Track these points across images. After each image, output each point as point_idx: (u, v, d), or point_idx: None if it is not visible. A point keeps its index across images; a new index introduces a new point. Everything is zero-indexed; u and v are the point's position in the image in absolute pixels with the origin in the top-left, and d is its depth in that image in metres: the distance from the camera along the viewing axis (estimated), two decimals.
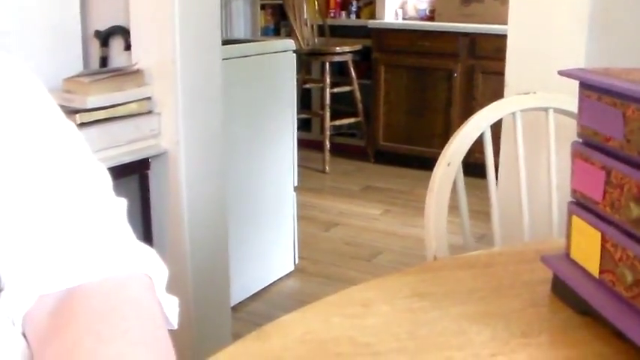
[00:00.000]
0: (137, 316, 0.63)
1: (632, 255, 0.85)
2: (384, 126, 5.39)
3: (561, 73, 0.94)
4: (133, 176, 2.31)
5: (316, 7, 5.61)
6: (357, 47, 5.37)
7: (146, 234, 2.34)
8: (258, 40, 3.84)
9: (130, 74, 2.25)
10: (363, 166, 5.47)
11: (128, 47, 2.37)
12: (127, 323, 0.62)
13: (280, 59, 3.20)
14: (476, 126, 1.43)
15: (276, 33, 6.23)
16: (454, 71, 5.01)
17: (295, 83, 3.34)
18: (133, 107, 2.23)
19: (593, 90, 0.91)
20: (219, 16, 2.40)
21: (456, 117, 4.85)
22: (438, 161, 1.35)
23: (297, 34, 5.33)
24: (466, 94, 4.96)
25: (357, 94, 5.40)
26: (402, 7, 5.67)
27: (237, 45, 3.03)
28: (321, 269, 3.56)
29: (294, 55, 3.28)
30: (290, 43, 3.28)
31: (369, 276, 1.04)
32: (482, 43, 4.84)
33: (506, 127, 1.82)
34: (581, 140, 0.96)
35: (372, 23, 5.44)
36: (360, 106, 5.43)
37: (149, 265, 0.69)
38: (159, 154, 2.31)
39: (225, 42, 2.71)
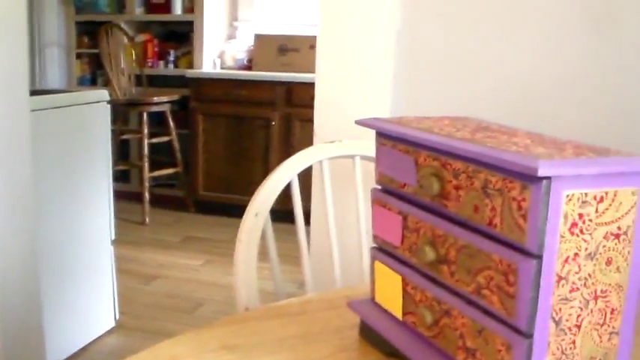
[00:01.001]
0: None
1: (430, 296, 0.88)
2: (204, 175, 5.37)
3: (358, 122, 0.97)
4: None
5: (133, 57, 5.54)
6: (175, 97, 5.35)
7: None
8: (70, 91, 3.73)
9: None
10: (184, 216, 5.42)
11: None
12: None
13: (94, 110, 3.13)
14: (283, 176, 1.45)
15: (93, 82, 6.10)
16: (272, 119, 5.08)
17: (110, 134, 3.26)
18: None
19: (388, 138, 0.94)
20: (27, 65, 2.32)
21: (274, 164, 4.87)
22: (245, 212, 1.35)
23: (114, 84, 5.25)
24: (284, 141, 5.04)
25: (176, 144, 5.36)
26: (220, 56, 5.70)
27: (47, 96, 2.93)
28: (143, 324, 3.47)
29: (109, 105, 3.21)
30: (104, 94, 3.20)
31: (191, 329, 1.02)
32: (299, 92, 4.94)
33: (316, 174, 1.85)
34: (379, 187, 0.99)
35: (189, 73, 5.43)
36: (179, 156, 5.39)
37: None
38: None
39: (36, 92, 2.61)
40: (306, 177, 1.62)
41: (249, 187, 5.16)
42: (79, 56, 6.06)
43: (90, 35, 5.91)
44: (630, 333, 0.79)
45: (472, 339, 0.81)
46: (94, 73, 6.12)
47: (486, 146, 0.77)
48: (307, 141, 1.92)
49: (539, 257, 0.72)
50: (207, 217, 5.33)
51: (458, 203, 0.82)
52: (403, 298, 0.93)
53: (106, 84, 5.47)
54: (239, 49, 5.69)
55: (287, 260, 1.49)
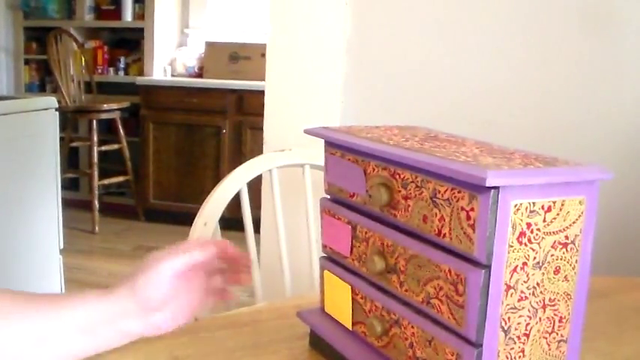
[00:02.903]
0: None
1: (380, 306, 0.88)
2: (154, 184, 5.32)
3: (307, 131, 0.97)
4: None
5: (83, 63, 5.48)
6: (125, 104, 5.29)
7: None
8: (18, 97, 3.68)
9: None
10: (134, 225, 5.36)
11: None
12: None
13: (42, 117, 3.08)
14: (232, 185, 1.45)
15: (42, 89, 6.01)
16: (222, 127, 5.06)
17: (58, 142, 3.22)
18: None
19: (337, 148, 0.94)
20: None
21: (225, 172, 4.82)
22: (194, 221, 1.34)
23: (63, 91, 5.18)
24: (235, 149, 5.02)
25: (126, 152, 5.31)
26: (171, 64, 5.66)
27: None
28: None
29: (57, 112, 3.17)
30: (53, 101, 3.16)
31: (141, 339, 1.00)
32: (250, 100, 4.93)
33: (265, 183, 1.85)
34: (328, 196, 0.99)
35: (140, 80, 5.39)
36: (129, 164, 5.33)
37: None
38: None
39: None
40: (257, 184, 1.61)
41: (200, 196, 5.08)
42: (27, 62, 5.97)
43: (38, 41, 5.83)
44: (578, 341, 0.81)
45: (422, 349, 0.81)
46: (43, 80, 6.04)
47: (435, 156, 0.77)
48: (258, 149, 1.91)
49: (488, 267, 0.72)
50: (158, 225, 5.28)
51: (407, 213, 0.82)
52: (352, 307, 0.93)
53: (55, 91, 5.40)
54: (190, 56, 5.66)
55: None
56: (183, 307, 0.90)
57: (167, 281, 0.86)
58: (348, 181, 0.92)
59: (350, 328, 0.94)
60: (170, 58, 5.68)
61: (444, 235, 0.77)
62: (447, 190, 0.76)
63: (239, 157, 4.90)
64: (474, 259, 0.73)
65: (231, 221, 1.88)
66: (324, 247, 0.99)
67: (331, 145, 0.96)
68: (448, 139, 0.90)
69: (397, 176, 0.83)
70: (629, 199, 1.82)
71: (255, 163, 1.51)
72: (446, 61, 1.91)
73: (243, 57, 5.33)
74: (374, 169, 0.87)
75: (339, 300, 0.96)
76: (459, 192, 0.74)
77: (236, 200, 1.46)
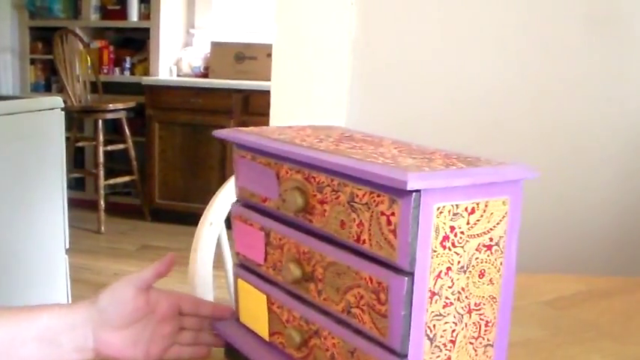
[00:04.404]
0: None
1: (297, 316, 0.83)
2: (160, 184, 5.33)
3: (216, 134, 0.92)
4: None
5: (89, 63, 5.49)
6: (131, 104, 5.30)
7: None
8: (23, 97, 3.69)
9: None
10: (140, 224, 5.37)
11: None
12: None
13: (48, 117, 3.09)
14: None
15: (47, 89, 6.02)
16: (228, 127, 5.03)
17: (64, 141, 3.22)
18: None
19: (247, 150, 0.89)
20: None
21: (231, 172, 4.83)
22: (200, 221, 1.34)
23: (69, 91, 5.19)
24: None
25: (132, 152, 5.31)
26: (177, 64, 5.67)
27: (0, 102, 2.89)
28: None
29: (63, 112, 3.18)
30: (58, 101, 3.17)
31: None
32: (256, 100, 4.93)
33: None
34: (240, 202, 0.94)
35: (145, 80, 5.39)
36: (134, 164, 5.34)
37: None
38: None
39: None
40: None
41: (206, 196, 5.10)
42: (32, 62, 5.98)
43: (44, 41, 5.83)
44: (505, 344, 0.78)
45: None
46: (49, 80, 6.05)
47: (352, 158, 0.73)
48: None
49: (411, 274, 0.69)
50: (164, 225, 5.28)
51: (323, 218, 0.77)
52: (269, 317, 0.88)
53: (61, 90, 5.41)
54: (195, 56, 5.67)
55: None
56: (146, 339, 0.88)
57: (130, 297, 0.86)
58: (260, 185, 0.87)
59: (267, 339, 0.89)
60: (176, 58, 5.69)
61: (364, 241, 0.72)
62: (365, 194, 0.71)
63: None
64: (397, 266, 0.69)
65: None
66: (238, 254, 0.94)
67: (241, 148, 0.91)
68: (364, 139, 0.85)
69: (312, 180, 0.78)
70: (633, 199, 1.82)
71: None
72: (452, 62, 1.91)
73: (249, 57, 5.33)
74: (287, 172, 0.82)
75: (255, 310, 0.90)
76: (378, 196, 0.70)
77: None
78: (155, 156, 5.32)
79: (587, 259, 1.81)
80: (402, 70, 1.94)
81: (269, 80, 2.01)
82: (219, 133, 0.92)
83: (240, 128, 0.93)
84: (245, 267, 0.93)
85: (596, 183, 1.81)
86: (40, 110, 3.05)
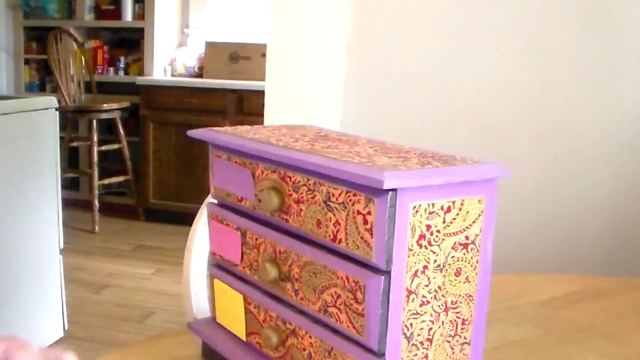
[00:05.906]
0: None
1: (274, 315, 0.84)
2: (154, 184, 5.33)
3: (190, 133, 0.91)
4: None
5: (83, 63, 5.49)
6: (125, 104, 5.30)
7: None
8: (18, 97, 3.68)
9: None
10: (134, 224, 5.37)
11: None
12: None
13: (42, 117, 3.09)
14: None
15: (42, 89, 6.02)
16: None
17: (59, 141, 3.22)
18: None
19: (223, 150, 0.90)
20: None
21: None
22: (194, 221, 1.34)
23: (63, 91, 5.19)
24: None
25: (126, 152, 5.31)
26: (171, 64, 5.67)
27: None
28: (92, 334, 3.43)
29: (57, 112, 3.18)
30: (53, 100, 3.17)
31: (142, 338, 1.00)
32: (250, 100, 4.94)
33: None
34: (216, 201, 0.94)
35: (140, 80, 5.39)
36: (129, 164, 5.34)
37: None
38: None
39: None
40: None
41: (200, 196, 5.14)
42: (27, 62, 5.98)
43: (38, 41, 5.83)
44: (481, 342, 0.78)
45: (321, 359, 0.77)
46: (43, 80, 6.04)
47: (327, 157, 0.73)
48: None
49: (388, 273, 0.69)
50: (158, 225, 5.29)
51: (299, 218, 0.77)
52: (246, 318, 0.88)
53: (55, 90, 5.41)
54: (190, 56, 5.67)
55: None
56: None
57: None
58: (235, 184, 0.87)
59: (244, 339, 0.89)
60: (170, 58, 5.69)
61: (340, 240, 0.72)
62: (341, 194, 0.71)
63: None
64: (373, 265, 0.69)
65: None
66: (213, 254, 0.94)
67: (217, 148, 0.91)
68: (339, 139, 0.86)
69: (288, 179, 0.78)
70: (631, 199, 1.82)
71: None
72: (447, 61, 1.91)
73: (243, 57, 5.33)
74: (263, 172, 0.82)
75: (232, 310, 0.90)
76: (354, 195, 0.70)
77: None
78: (149, 156, 5.32)
79: (582, 259, 1.81)
80: (397, 70, 1.95)
81: (263, 80, 2.01)
82: (194, 132, 0.91)
83: (215, 128, 0.92)
84: (221, 267, 0.93)
85: (590, 183, 1.82)
86: (34, 110, 3.04)
